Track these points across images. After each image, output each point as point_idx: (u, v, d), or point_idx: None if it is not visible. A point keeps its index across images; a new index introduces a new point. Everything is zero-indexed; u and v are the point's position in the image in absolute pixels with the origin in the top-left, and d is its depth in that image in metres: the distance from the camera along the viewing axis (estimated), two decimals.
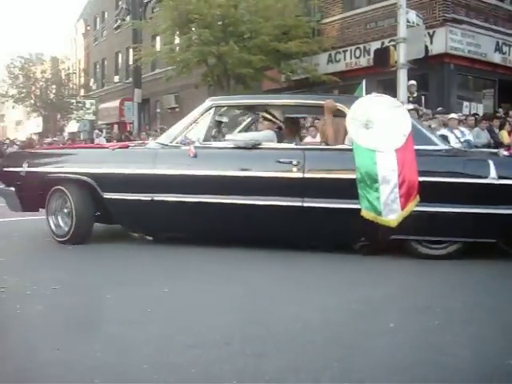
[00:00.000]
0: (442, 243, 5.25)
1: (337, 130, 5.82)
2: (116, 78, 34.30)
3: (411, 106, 11.38)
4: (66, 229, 6.13)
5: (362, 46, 17.14)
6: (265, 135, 6.06)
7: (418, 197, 5.03)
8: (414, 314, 3.62)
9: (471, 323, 3.42)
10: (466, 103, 16.12)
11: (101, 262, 5.39)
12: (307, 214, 5.41)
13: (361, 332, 3.25)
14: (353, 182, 5.16)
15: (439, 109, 12.30)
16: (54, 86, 36.48)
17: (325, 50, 17.58)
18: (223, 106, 6.40)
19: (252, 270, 4.98)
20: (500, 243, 5.24)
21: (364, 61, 16.91)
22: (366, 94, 11.75)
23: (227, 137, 6.13)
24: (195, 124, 6.05)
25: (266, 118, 6.25)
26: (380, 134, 5.23)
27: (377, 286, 4.36)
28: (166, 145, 6.03)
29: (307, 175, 5.40)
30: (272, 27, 16.04)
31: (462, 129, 10.61)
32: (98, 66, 39.12)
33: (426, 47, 12.54)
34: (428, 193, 5.05)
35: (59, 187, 6.16)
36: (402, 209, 5.04)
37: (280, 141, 6.11)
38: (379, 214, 5.07)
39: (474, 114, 13.41)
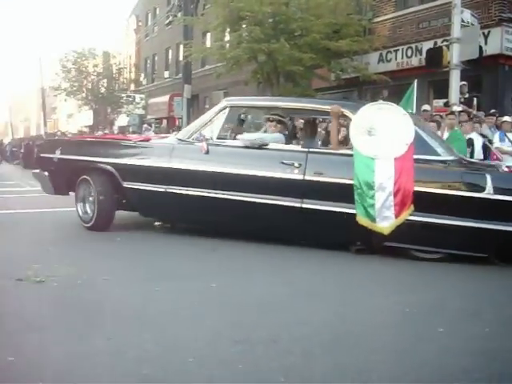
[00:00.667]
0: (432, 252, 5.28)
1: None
2: (166, 74, 34.64)
3: (460, 108, 11.16)
4: (91, 215, 6.56)
5: (413, 46, 16.86)
6: (273, 137, 6.29)
7: (412, 206, 5.10)
8: (463, 320, 3.56)
9: None
10: None
11: (147, 255, 5.48)
12: (306, 214, 5.56)
13: (409, 335, 3.21)
14: (351, 187, 5.28)
15: (493, 111, 12.02)
16: (105, 80, 37.09)
17: (376, 49, 17.37)
18: (238, 107, 6.75)
19: (297, 268, 5.00)
20: (492, 259, 5.14)
21: (416, 61, 16.63)
22: (417, 94, 11.66)
23: (238, 136, 6.37)
24: (211, 122, 6.34)
25: (275, 120, 6.45)
26: (382, 141, 5.29)
27: (425, 289, 4.31)
28: (183, 140, 6.38)
29: (307, 177, 5.58)
30: (323, 25, 15.92)
31: None
32: (148, 62, 39.61)
33: (481, 48, 12.24)
34: (423, 203, 5.09)
35: (85, 177, 6.60)
36: (396, 217, 5.12)
37: (288, 143, 6.32)
38: (373, 220, 5.19)
39: None
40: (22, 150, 26.86)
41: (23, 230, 6.97)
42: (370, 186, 5.18)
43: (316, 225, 5.60)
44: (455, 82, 11.89)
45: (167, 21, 27.93)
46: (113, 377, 2.59)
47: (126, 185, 6.39)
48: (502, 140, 9.78)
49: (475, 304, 3.92)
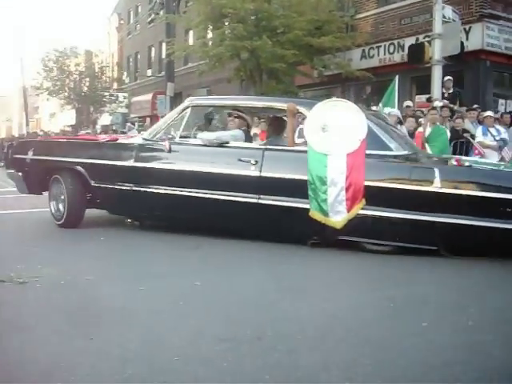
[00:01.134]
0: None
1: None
2: (149, 72, 34.53)
3: (441, 104, 11.22)
4: (62, 213, 6.74)
5: (396, 42, 16.94)
6: (232, 134, 6.45)
7: (363, 200, 5.22)
8: (447, 314, 3.57)
9: (506, 323, 3.37)
10: (501, 101, 15.79)
11: (132, 254, 5.46)
12: (263, 210, 5.70)
13: (393, 330, 3.22)
14: (305, 182, 5.40)
15: (475, 106, 12.10)
16: (87, 79, 36.85)
17: (358, 46, 17.42)
18: (200, 106, 7.01)
19: (281, 264, 5.00)
20: (442, 251, 5.18)
21: (398, 57, 16.71)
22: (399, 90, 11.70)
23: (198, 135, 6.53)
24: (174, 122, 6.57)
25: (233, 116, 6.65)
26: (335, 137, 5.41)
27: (409, 283, 4.32)
28: (148, 140, 6.57)
29: (264, 174, 5.72)
30: (305, 22, 15.93)
31: (498, 127, 10.41)
32: (131, 60, 39.42)
33: (462, 43, 12.32)
34: (374, 197, 5.22)
35: (57, 176, 6.82)
36: (348, 211, 5.26)
37: (248, 140, 6.51)
38: (326, 215, 5.33)
39: (510, 112, 13.16)
40: (5, 151, 26.59)
41: (5, 230, 6.94)
42: (323, 182, 5.33)
43: (273, 220, 5.74)
44: (437, 78, 11.97)
45: (149, 19, 27.87)
46: (97, 377, 2.57)
47: (94, 184, 6.60)
48: (484, 134, 9.86)
49: (459, 298, 3.94)
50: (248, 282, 4.36)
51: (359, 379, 2.54)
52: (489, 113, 10.60)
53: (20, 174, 7.36)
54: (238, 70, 18.03)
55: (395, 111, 10.57)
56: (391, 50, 17.10)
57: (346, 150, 5.32)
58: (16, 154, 7.80)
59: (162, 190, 6.19)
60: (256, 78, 17.47)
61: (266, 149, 5.97)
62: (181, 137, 6.42)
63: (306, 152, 5.54)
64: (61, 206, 6.79)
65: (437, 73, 11.98)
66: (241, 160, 5.85)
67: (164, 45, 24.80)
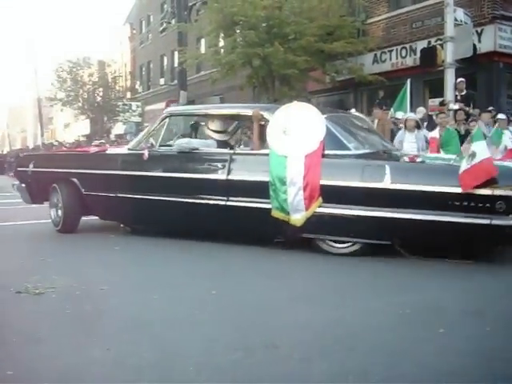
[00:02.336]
0: (345, 243, 5.55)
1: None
2: (161, 81, 34.70)
3: (456, 107, 11.16)
4: (60, 220, 7.33)
5: (407, 46, 16.89)
6: (204, 142, 6.97)
7: (320, 199, 5.43)
8: (461, 320, 3.54)
9: None
10: None
11: (145, 263, 5.49)
12: (231, 211, 6.01)
13: (407, 336, 3.20)
14: (268, 184, 5.68)
15: (490, 108, 12.02)
16: (100, 89, 37.09)
17: (370, 50, 17.39)
18: (177, 115, 7.52)
19: (293, 272, 5.03)
20: (396, 246, 5.28)
21: (410, 60, 16.66)
22: (412, 94, 11.66)
23: (172, 142, 7.05)
24: (154, 131, 7.06)
25: (208, 128, 7.03)
26: (294, 140, 5.65)
27: (420, 290, 4.29)
28: (131, 149, 7.06)
29: (230, 177, 6.05)
30: (316, 28, 15.94)
31: None
32: (143, 69, 39.64)
33: (474, 46, 12.27)
34: (330, 195, 5.42)
35: (55, 185, 7.37)
36: (306, 209, 5.47)
37: (220, 147, 6.89)
38: (287, 213, 5.57)
39: None
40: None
41: (21, 241, 7.02)
42: (283, 182, 5.54)
43: (240, 220, 6.01)
44: (450, 81, 11.92)
45: (161, 28, 27.98)
46: None
47: (84, 192, 7.15)
48: None
49: (472, 303, 3.90)
50: (260, 290, 4.36)
51: None
52: (500, 115, 10.56)
53: (23, 185, 8.05)
54: (250, 78, 18.07)
55: (413, 115, 10.51)
56: (403, 53, 17.05)
57: (304, 151, 5.54)
58: (19, 166, 8.52)
59: (140, 195, 6.66)
60: (268, 85, 17.50)
61: (234, 153, 6.32)
62: (160, 145, 6.91)
63: (268, 155, 5.78)
64: (60, 213, 7.33)
65: (449, 76, 11.93)
66: (210, 165, 6.32)
67: (176, 53, 24.94)
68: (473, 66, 13.13)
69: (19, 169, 8.42)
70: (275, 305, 3.92)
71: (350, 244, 5.53)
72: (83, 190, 7.14)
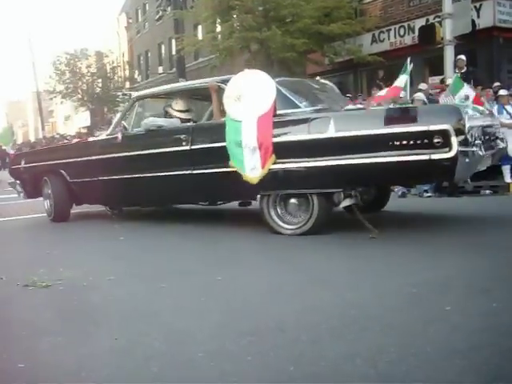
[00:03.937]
0: (295, 224, 5.84)
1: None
2: (160, 69, 34.61)
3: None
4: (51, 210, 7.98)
5: (406, 25, 16.79)
6: (169, 120, 7.18)
7: (273, 156, 5.70)
8: (471, 297, 3.53)
9: None
10: None
11: (151, 252, 5.51)
12: (196, 179, 6.40)
13: (417, 316, 3.19)
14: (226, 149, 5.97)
15: (496, 84, 11.94)
16: (99, 80, 37.07)
17: (368, 31, 17.29)
18: (144, 97, 7.87)
19: (300, 255, 5.02)
20: (346, 190, 5.62)
21: (409, 39, 16.57)
22: (413, 72, 11.57)
23: (141, 123, 7.29)
24: (126, 115, 7.57)
25: (172, 108, 7.30)
26: (247, 104, 5.90)
27: (430, 268, 4.27)
28: (108, 135, 7.53)
29: (193, 147, 6.44)
30: (313, 9, 15.85)
31: None
32: (141, 58, 39.52)
33: (473, 21, 12.17)
34: (282, 151, 5.70)
35: (45, 178, 8.01)
36: (262, 167, 5.74)
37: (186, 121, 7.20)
38: (244, 172, 5.85)
39: None
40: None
41: (22, 235, 7.08)
42: (239, 145, 5.82)
43: (206, 187, 6.47)
44: (450, 58, 11.85)
45: (157, 16, 27.89)
46: (123, 376, 2.58)
47: (70, 180, 7.72)
48: (500, 113, 9.77)
49: (482, 280, 3.89)
50: (268, 275, 4.35)
51: (384, 367, 2.52)
52: (502, 92, 10.50)
53: (18, 181, 8.79)
54: (248, 62, 17.98)
55: (420, 95, 10.43)
56: (401, 32, 16.96)
57: (257, 114, 5.79)
58: (13, 164, 9.23)
59: (117, 176, 7.14)
60: (267, 69, 17.41)
61: (195, 125, 6.85)
62: (133, 128, 7.38)
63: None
64: (52, 203, 7.90)
65: (449, 53, 11.86)
66: (174, 138, 6.61)
67: (173, 41, 24.85)
68: (472, 43, 13.06)
69: (13, 167, 9.10)
70: (283, 289, 3.91)
71: (300, 224, 5.79)
72: (68, 178, 7.71)
